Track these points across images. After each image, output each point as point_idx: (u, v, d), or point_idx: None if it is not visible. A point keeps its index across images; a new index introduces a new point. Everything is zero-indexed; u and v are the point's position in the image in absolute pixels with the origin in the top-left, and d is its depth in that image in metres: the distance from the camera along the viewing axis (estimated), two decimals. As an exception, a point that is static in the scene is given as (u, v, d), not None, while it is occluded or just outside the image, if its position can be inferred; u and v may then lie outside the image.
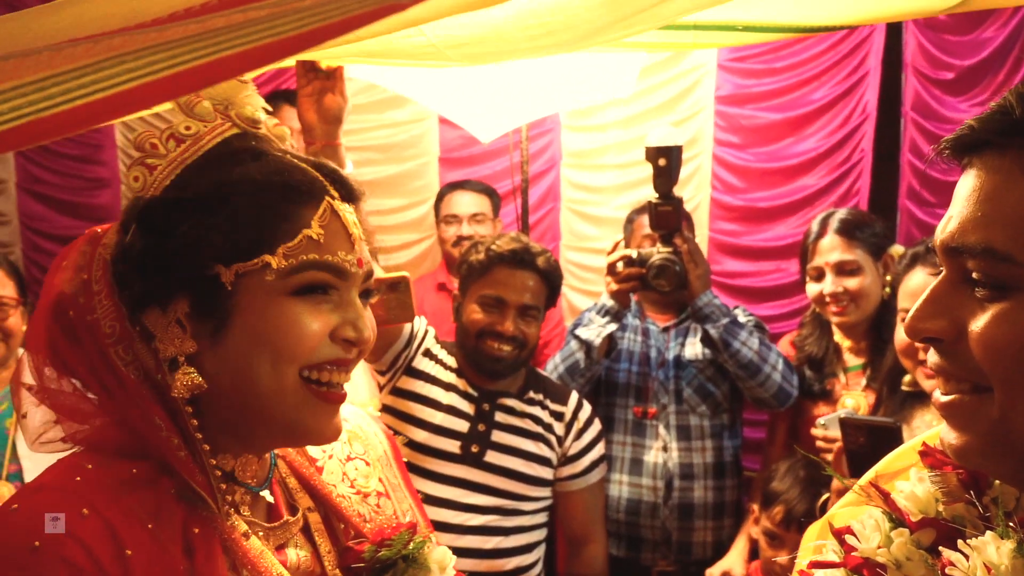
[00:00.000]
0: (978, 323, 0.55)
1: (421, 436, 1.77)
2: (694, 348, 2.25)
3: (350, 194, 0.78)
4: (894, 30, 3.20)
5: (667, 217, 2.08)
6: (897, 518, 0.60)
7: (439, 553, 0.82)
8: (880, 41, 3.20)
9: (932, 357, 0.59)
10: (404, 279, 1.26)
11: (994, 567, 0.51)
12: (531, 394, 1.89)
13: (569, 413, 1.91)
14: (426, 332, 1.88)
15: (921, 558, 0.57)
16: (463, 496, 1.75)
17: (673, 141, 2.06)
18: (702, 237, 3.36)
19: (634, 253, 2.13)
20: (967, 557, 0.53)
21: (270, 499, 0.79)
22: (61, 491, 0.66)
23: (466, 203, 2.91)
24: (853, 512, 0.66)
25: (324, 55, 1.33)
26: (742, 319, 2.18)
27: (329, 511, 0.84)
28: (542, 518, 1.87)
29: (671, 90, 3.36)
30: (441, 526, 1.72)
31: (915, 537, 0.58)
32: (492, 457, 1.77)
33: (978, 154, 0.56)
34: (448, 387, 1.83)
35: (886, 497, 0.62)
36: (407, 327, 1.80)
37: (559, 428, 1.88)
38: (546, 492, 1.86)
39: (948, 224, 0.57)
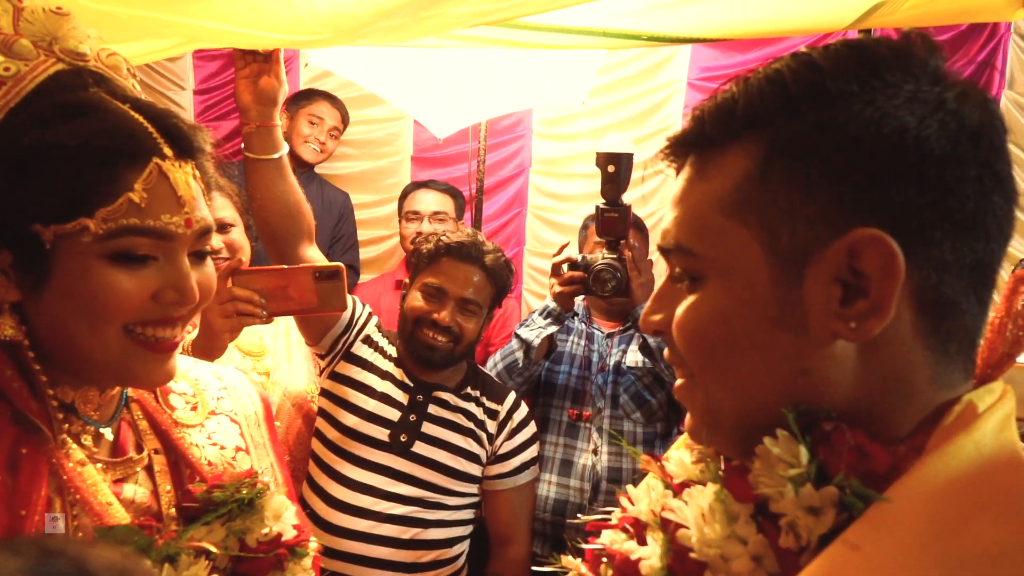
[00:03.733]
0: (677, 313, 0.61)
1: (351, 421, 1.78)
2: (635, 355, 2.27)
3: (187, 150, 0.76)
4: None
5: (613, 224, 2.09)
6: (667, 483, 0.65)
7: (277, 502, 0.83)
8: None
9: (667, 350, 0.65)
10: (339, 269, 1.29)
11: (703, 509, 0.57)
12: (468, 389, 1.90)
13: (504, 412, 1.92)
14: (367, 319, 1.88)
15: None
16: (387, 484, 1.75)
17: (624, 149, 2.09)
18: (663, 251, 3.40)
19: (579, 257, 2.15)
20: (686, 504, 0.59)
21: (110, 436, 0.80)
22: None
23: (428, 201, 2.94)
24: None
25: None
26: None
27: (178, 456, 0.85)
28: (467, 514, 1.87)
29: (642, 104, 3.42)
30: (362, 512, 1.73)
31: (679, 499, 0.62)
32: (420, 448, 1.77)
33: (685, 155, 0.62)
34: (384, 375, 1.83)
35: (661, 464, 0.67)
36: (346, 313, 1.81)
37: (492, 426, 1.89)
38: (473, 488, 1.86)
39: (662, 229, 0.63)
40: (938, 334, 0.54)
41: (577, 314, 2.42)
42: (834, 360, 0.54)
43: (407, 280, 1.90)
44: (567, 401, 2.27)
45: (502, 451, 1.90)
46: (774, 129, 0.55)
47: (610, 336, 2.35)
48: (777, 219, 0.55)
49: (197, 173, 0.78)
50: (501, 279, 1.88)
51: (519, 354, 2.17)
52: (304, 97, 3.27)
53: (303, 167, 3.19)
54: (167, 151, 0.74)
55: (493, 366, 2.19)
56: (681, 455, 0.66)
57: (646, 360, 2.23)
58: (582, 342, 2.34)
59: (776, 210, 0.55)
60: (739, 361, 0.57)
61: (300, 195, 1.64)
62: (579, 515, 2.19)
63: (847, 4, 1.38)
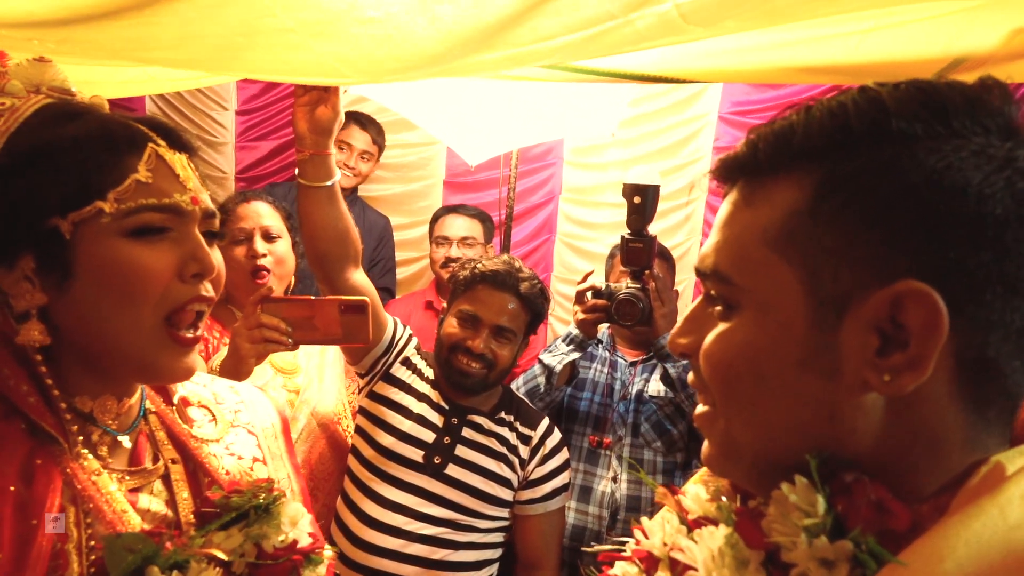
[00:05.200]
0: (706, 340, 0.60)
1: (387, 440, 1.80)
2: (656, 385, 2.28)
3: (179, 144, 0.81)
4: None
5: (638, 254, 2.11)
6: (682, 517, 0.65)
7: (293, 508, 0.84)
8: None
9: (691, 375, 0.64)
10: (365, 303, 1.32)
11: (713, 552, 0.56)
12: (502, 414, 1.91)
13: (536, 438, 1.92)
14: (407, 341, 1.92)
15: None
16: (419, 505, 1.76)
17: (651, 181, 2.10)
18: (689, 282, 3.41)
19: (603, 285, 2.17)
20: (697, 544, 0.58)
21: (127, 444, 0.82)
22: None
23: (458, 226, 2.99)
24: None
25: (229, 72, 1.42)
26: None
27: (196, 465, 0.87)
28: (496, 537, 1.87)
29: (673, 136, 3.44)
30: (394, 530, 1.75)
31: (693, 535, 0.61)
32: (453, 471, 1.79)
33: (735, 180, 0.61)
34: (421, 397, 1.86)
35: (677, 498, 0.67)
36: (387, 334, 1.85)
37: (524, 451, 1.90)
38: (503, 512, 1.87)
39: (702, 251, 0.62)
40: (977, 397, 0.52)
41: (601, 341, 2.44)
42: (863, 410, 0.53)
43: (439, 304, 1.92)
44: (588, 428, 2.29)
45: (533, 476, 1.90)
46: (830, 164, 0.53)
47: (633, 364, 2.37)
48: (821, 259, 0.53)
49: (191, 165, 0.82)
50: (536, 306, 1.89)
51: (541, 379, 2.20)
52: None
53: (343, 191, 3.24)
54: (160, 141, 0.79)
55: (515, 390, 2.21)
56: (697, 490, 0.65)
57: (667, 390, 2.24)
58: (605, 369, 2.36)
59: (822, 250, 0.53)
60: (764, 398, 0.55)
61: (349, 221, 1.69)
62: (595, 543, 2.19)
63: (925, 57, 1.38)
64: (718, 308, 0.60)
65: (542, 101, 2.21)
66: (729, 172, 0.61)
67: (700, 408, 0.63)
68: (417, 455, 1.79)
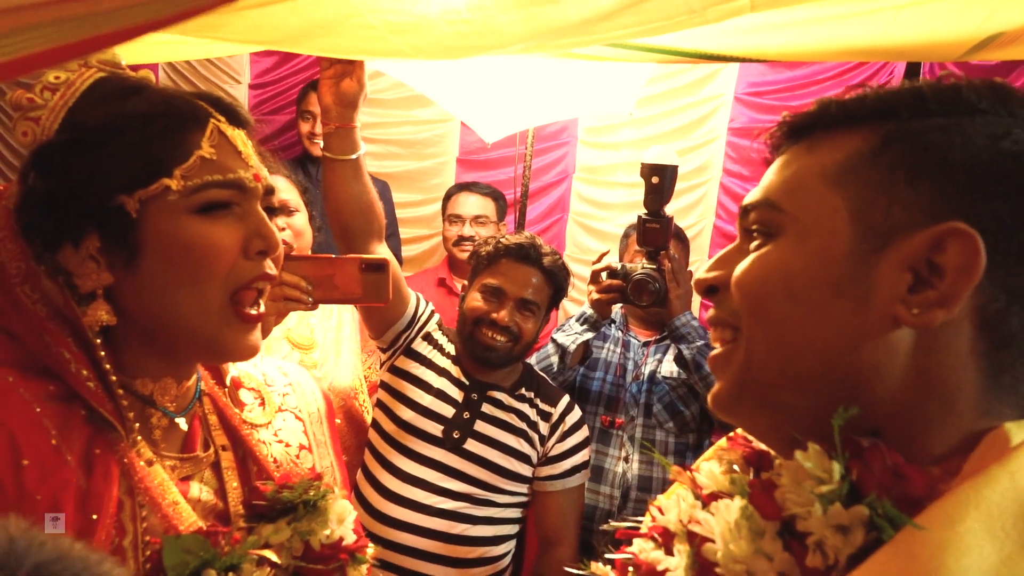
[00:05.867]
0: (741, 265, 0.62)
1: (407, 415, 1.81)
2: (670, 365, 2.29)
3: (237, 119, 0.81)
4: (912, 74, 3.23)
5: (655, 234, 2.08)
6: (697, 493, 0.65)
7: (340, 506, 0.84)
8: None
9: (711, 312, 0.66)
10: (385, 262, 1.32)
11: (729, 524, 0.57)
12: (523, 391, 1.92)
13: (557, 415, 1.93)
14: (429, 316, 1.92)
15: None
16: (438, 479, 1.78)
17: (668, 161, 2.08)
18: (702, 263, 3.41)
19: (618, 265, 2.17)
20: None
21: (184, 427, 0.82)
22: None
23: (471, 204, 2.98)
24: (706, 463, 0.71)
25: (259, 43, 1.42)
26: None
27: (245, 452, 0.87)
28: (515, 513, 1.88)
29: (687, 116, 3.43)
30: (413, 504, 1.77)
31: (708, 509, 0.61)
32: (472, 446, 1.80)
33: (790, 145, 0.64)
34: (441, 372, 1.86)
35: (691, 475, 0.67)
36: (410, 309, 1.86)
37: (544, 427, 1.90)
38: (522, 488, 1.88)
39: (750, 193, 0.65)
40: (993, 359, 0.54)
41: (614, 321, 2.44)
42: (887, 347, 0.55)
43: (452, 281, 1.92)
44: (601, 408, 2.30)
45: (553, 453, 1.91)
46: (898, 122, 0.57)
47: (646, 345, 2.37)
48: (875, 195, 0.56)
49: (250, 140, 0.82)
50: (558, 280, 1.90)
51: (554, 359, 2.20)
52: (300, 100, 3.32)
53: (315, 160, 3.19)
54: (220, 117, 0.79)
55: None
56: (711, 466, 0.66)
57: (681, 371, 2.25)
58: (618, 349, 2.37)
59: (877, 188, 0.56)
60: (792, 316, 0.58)
61: (374, 195, 1.69)
62: (609, 521, 2.21)
63: (960, 33, 1.37)
64: (755, 242, 0.62)
65: (560, 78, 2.19)
66: (793, 131, 0.64)
67: (717, 349, 0.64)
68: (437, 429, 1.80)
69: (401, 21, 1.11)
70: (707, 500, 0.63)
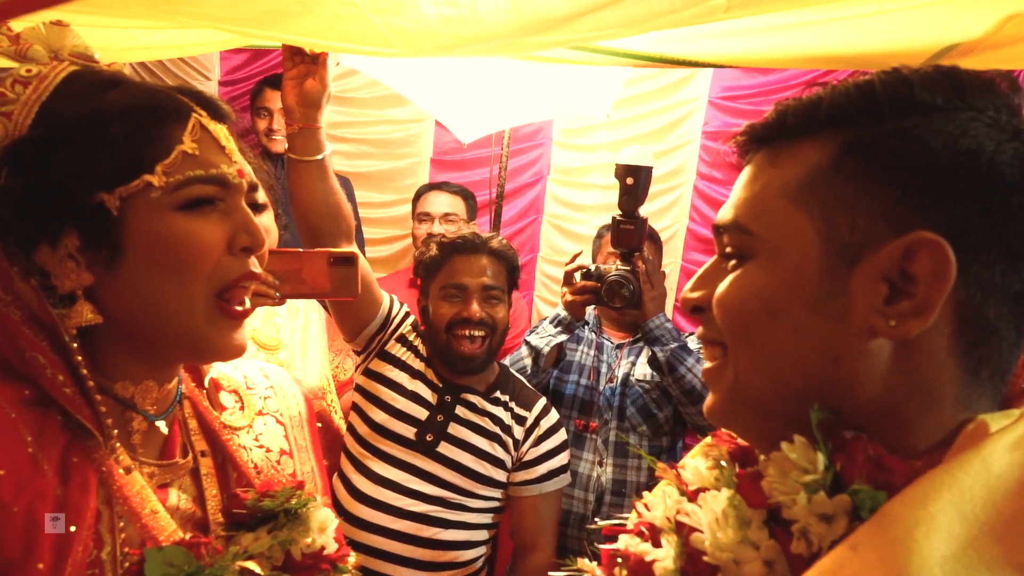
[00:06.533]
0: (720, 287, 0.63)
1: (380, 417, 1.80)
2: (643, 368, 2.28)
3: (218, 113, 0.79)
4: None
5: (629, 236, 2.07)
6: (682, 490, 0.66)
7: (322, 514, 0.83)
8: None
9: (699, 329, 0.67)
10: (353, 255, 1.30)
11: (716, 513, 0.58)
12: (497, 394, 1.90)
13: (531, 418, 1.90)
14: (403, 318, 1.90)
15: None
16: (410, 481, 1.76)
17: (643, 162, 2.06)
18: (675, 265, 3.41)
19: (592, 267, 2.15)
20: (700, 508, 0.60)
21: (165, 431, 0.79)
22: None
23: (440, 203, 2.95)
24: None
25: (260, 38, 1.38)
26: (694, 346, 2.20)
27: (225, 458, 0.85)
28: (488, 518, 1.86)
29: (662, 119, 3.43)
30: (383, 506, 1.75)
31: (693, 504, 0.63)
32: (444, 449, 1.78)
33: (756, 150, 0.64)
34: (415, 374, 1.85)
35: (677, 472, 0.68)
36: (383, 310, 1.83)
37: (518, 432, 1.88)
38: (496, 493, 1.86)
39: (721, 209, 0.65)
40: (971, 355, 0.55)
41: (587, 323, 2.43)
42: (867, 357, 0.55)
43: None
44: (575, 411, 2.28)
45: (528, 458, 1.88)
46: (856, 127, 0.57)
47: (619, 347, 2.36)
48: (840, 211, 0.56)
49: (231, 135, 0.80)
50: (510, 258, 1.90)
51: (528, 361, 2.19)
52: (255, 97, 3.26)
53: (276, 156, 3.13)
54: (201, 111, 0.76)
55: None
56: (696, 463, 0.67)
57: (654, 374, 2.24)
58: (591, 352, 2.35)
59: (841, 202, 0.56)
60: (773, 337, 0.59)
61: (341, 196, 1.66)
62: (585, 525, 2.18)
63: (920, 43, 1.39)
64: (732, 262, 0.63)
65: (538, 79, 2.18)
66: (755, 139, 0.64)
67: (707, 364, 0.66)
68: (409, 432, 1.78)
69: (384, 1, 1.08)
70: (692, 496, 0.64)
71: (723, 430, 0.69)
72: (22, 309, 0.70)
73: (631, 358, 2.32)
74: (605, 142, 3.49)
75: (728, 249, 0.63)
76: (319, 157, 1.59)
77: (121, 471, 0.72)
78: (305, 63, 1.54)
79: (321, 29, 1.28)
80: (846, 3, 1.31)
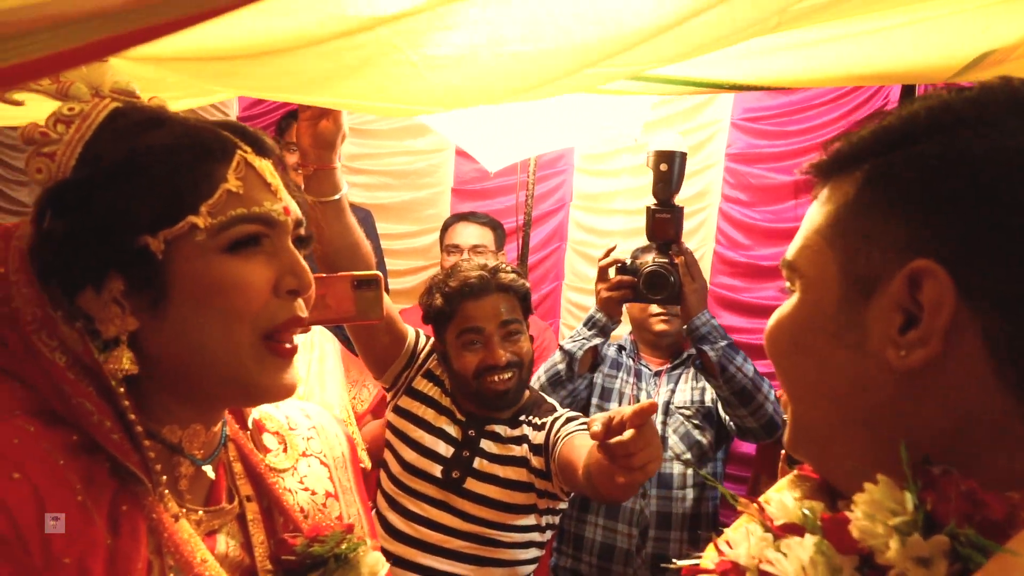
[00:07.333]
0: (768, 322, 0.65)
1: (411, 456, 1.79)
2: (684, 395, 2.23)
3: (262, 149, 0.77)
4: (908, 95, 3.24)
5: (665, 225, 1.98)
6: (767, 525, 0.62)
7: (372, 558, 0.81)
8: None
9: None
10: (377, 277, 1.28)
11: (803, 562, 0.54)
12: (520, 417, 1.84)
13: (550, 421, 1.80)
14: (430, 352, 1.87)
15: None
16: (443, 519, 1.75)
17: (676, 147, 1.97)
18: (704, 289, 3.36)
19: (628, 260, 2.07)
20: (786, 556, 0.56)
21: (212, 475, 0.78)
22: None
23: (468, 234, 2.93)
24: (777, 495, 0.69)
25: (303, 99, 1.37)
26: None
27: (271, 502, 0.83)
28: (525, 553, 1.80)
29: (685, 142, 3.40)
30: (419, 544, 1.75)
31: (779, 542, 0.59)
32: (472, 484, 1.75)
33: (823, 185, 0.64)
34: (442, 410, 1.82)
35: (760, 507, 0.64)
36: (408, 345, 1.81)
37: (539, 437, 1.78)
38: (530, 520, 1.79)
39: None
40: (1022, 381, 0.52)
41: (624, 348, 2.37)
42: (898, 387, 0.54)
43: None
44: (615, 441, 2.22)
45: (536, 442, 1.76)
46: (877, 159, 0.58)
47: (658, 374, 2.31)
48: (858, 243, 0.57)
49: (277, 171, 0.78)
50: (519, 288, 1.82)
51: (562, 366, 2.12)
52: (282, 131, 3.17)
53: None
54: (246, 147, 0.75)
55: (536, 379, 2.15)
56: (783, 496, 0.63)
57: (695, 399, 2.18)
58: (630, 379, 2.30)
59: (859, 235, 0.57)
60: (797, 367, 0.61)
61: (359, 235, 1.64)
62: (625, 562, 2.10)
63: (953, 53, 1.35)
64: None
65: (564, 104, 2.16)
66: (816, 176, 0.65)
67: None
68: (436, 470, 1.76)
69: (442, 55, 1.07)
70: (778, 532, 0.61)
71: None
72: (67, 354, 0.69)
73: (670, 385, 2.27)
74: (627, 167, 3.46)
75: (787, 284, 0.65)
76: (335, 198, 1.58)
77: (170, 518, 0.70)
78: (318, 105, 1.53)
79: (369, 91, 1.26)
80: (879, 15, 1.27)
